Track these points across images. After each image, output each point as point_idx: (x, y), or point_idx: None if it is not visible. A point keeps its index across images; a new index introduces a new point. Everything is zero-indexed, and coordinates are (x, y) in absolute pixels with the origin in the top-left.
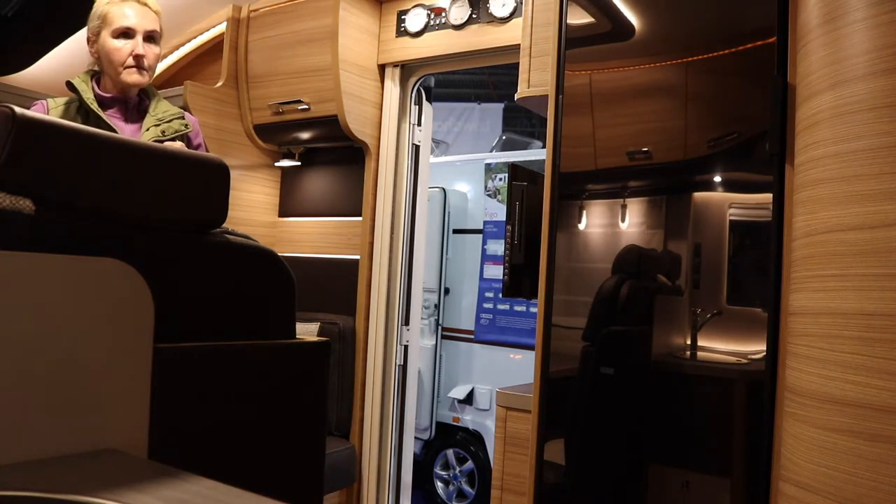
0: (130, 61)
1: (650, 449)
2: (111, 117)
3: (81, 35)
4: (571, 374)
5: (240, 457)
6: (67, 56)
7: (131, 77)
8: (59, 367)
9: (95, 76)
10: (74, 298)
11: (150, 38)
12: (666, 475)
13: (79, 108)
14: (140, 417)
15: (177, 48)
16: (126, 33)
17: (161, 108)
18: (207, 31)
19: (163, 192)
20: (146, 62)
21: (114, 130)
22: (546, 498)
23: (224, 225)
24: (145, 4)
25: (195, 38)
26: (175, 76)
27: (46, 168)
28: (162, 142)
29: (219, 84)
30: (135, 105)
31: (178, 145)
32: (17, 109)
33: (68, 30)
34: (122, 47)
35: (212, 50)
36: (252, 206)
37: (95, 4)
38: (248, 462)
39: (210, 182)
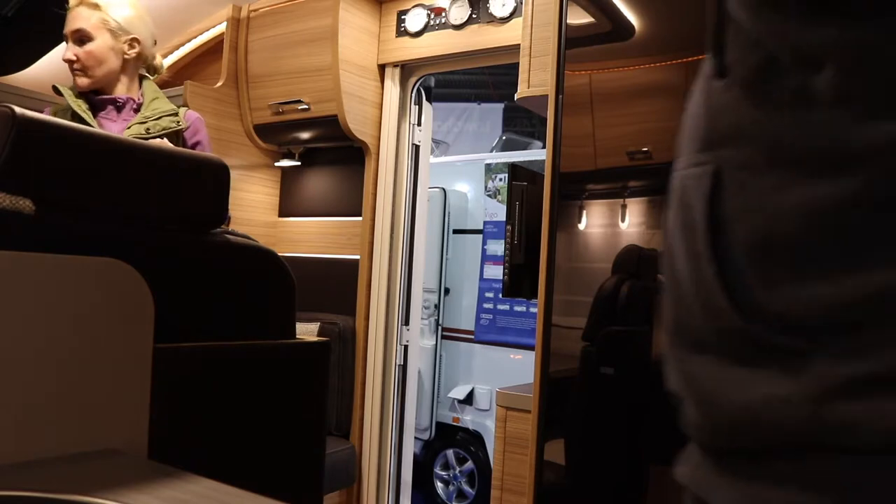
0: (69, 66)
1: (650, 449)
2: (103, 118)
3: None
4: (571, 374)
5: (240, 457)
6: None
7: (76, 82)
8: (59, 366)
9: None
10: (74, 298)
11: (80, 38)
12: (666, 475)
13: (66, 110)
14: (140, 417)
15: (177, 48)
16: (66, 40)
17: (153, 106)
18: (207, 31)
19: (163, 192)
20: (78, 65)
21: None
22: (546, 498)
23: (224, 225)
24: (80, 2)
25: (195, 38)
26: (175, 76)
27: (46, 168)
28: (146, 139)
29: (219, 84)
30: (124, 104)
31: (159, 143)
32: (18, 109)
33: None
34: (63, 54)
35: (212, 50)
36: (252, 206)
37: None
38: (248, 462)
39: (210, 182)
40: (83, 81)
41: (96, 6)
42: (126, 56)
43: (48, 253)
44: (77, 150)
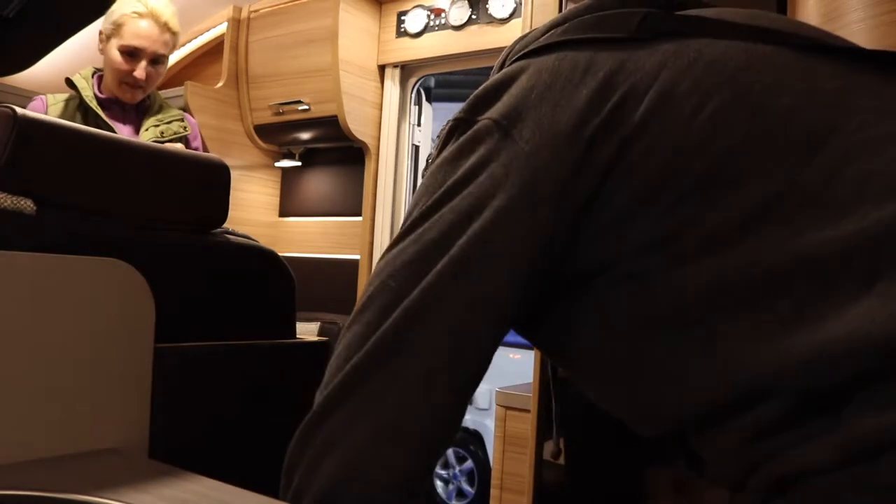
0: (128, 79)
1: (650, 448)
2: (110, 117)
3: (83, 35)
4: None
5: (240, 456)
6: (68, 56)
7: (124, 94)
8: (59, 367)
9: (98, 73)
10: (74, 298)
11: (156, 60)
12: (666, 475)
13: (78, 106)
14: (140, 417)
15: (177, 48)
16: (132, 53)
17: (163, 110)
18: (208, 31)
19: (163, 192)
20: (144, 83)
21: (112, 130)
22: (545, 497)
23: (224, 225)
24: (162, 23)
25: (196, 38)
26: (175, 76)
27: (47, 168)
28: (161, 143)
29: (219, 84)
30: (132, 106)
31: (178, 146)
32: (18, 110)
33: (69, 30)
34: (124, 64)
35: (212, 50)
36: (252, 206)
37: (116, 3)
38: (248, 462)
39: (210, 182)
40: (136, 97)
41: (175, 34)
42: None
43: (48, 253)
44: (77, 150)
